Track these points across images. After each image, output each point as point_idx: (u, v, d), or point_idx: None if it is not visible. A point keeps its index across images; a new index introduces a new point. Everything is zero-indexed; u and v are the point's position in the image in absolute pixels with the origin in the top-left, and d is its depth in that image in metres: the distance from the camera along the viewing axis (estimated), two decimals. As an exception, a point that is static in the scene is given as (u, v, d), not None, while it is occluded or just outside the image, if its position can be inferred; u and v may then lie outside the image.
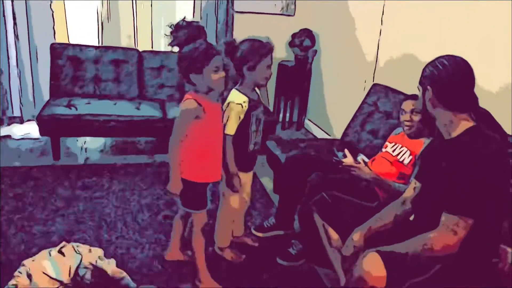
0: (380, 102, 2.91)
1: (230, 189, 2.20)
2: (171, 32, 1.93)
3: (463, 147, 1.46)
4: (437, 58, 1.55)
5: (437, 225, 1.46)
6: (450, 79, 1.49)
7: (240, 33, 4.35)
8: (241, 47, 2.10)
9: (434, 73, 1.52)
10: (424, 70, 1.58)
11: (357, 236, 1.68)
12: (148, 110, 3.58)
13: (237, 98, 2.11)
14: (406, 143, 2.29)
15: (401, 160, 2.25)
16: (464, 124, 1.52)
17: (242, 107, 2.10)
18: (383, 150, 2.40)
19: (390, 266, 1.39)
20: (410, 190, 1.78)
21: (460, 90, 1.51)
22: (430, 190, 1.64)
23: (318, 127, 4.37)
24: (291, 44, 4.27)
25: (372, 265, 1.40)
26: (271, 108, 4.51)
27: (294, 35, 4.24)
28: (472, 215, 1.40)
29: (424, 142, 2.22)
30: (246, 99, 2.12)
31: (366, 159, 2.59)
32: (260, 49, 2.08)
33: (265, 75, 2.13)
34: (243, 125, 2.14)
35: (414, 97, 2.30)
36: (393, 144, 2.36)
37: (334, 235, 1.92)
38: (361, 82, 3.45)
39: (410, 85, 2.72)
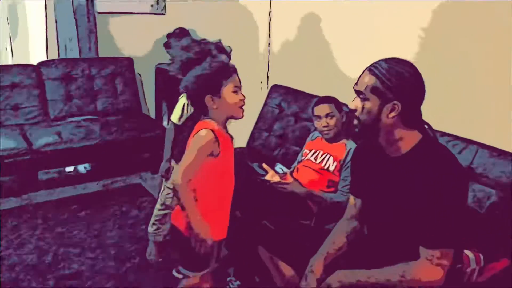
0: (284, 104, 2.75)
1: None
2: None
3: (425, 168, 1.27)
4: (395, 63, 1.28)
5: (395, 235, 1.36)
6: (418, 93, 1.28)
7: (106, 37, 3.82)
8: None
9: (402, 86, 1.25)
10: (383, 78, 1.26)
11: (317, 266, 1.46)
12: (5, 142, 2.85)
13: None
14: (327, 149, 2.17)
15: (326, 167, 2.13)
16: (413, 137, 1.34)
17: None
18: (304, 158, 2.25)
19: None
20: (351, 207, 1.61)
21: (420, 104, 1.32)
22: (377, 206, 1.48)
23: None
24: (166, 45, 3.86)
25: None
26: (152, 114, 4.07)
27: (169, 35, 3.83)
28: (454, 245, 1.28)
29: (345, 145, 2.13)
30: None
31: (286, 169, 2.42)
32: None
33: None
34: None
35: (324, 100, 2.18)
36: (313, 151, 2.23)
37: (287, 270, 1.67)
38: (256, 83, 3.26)
39: (306, 83, 2.62)
